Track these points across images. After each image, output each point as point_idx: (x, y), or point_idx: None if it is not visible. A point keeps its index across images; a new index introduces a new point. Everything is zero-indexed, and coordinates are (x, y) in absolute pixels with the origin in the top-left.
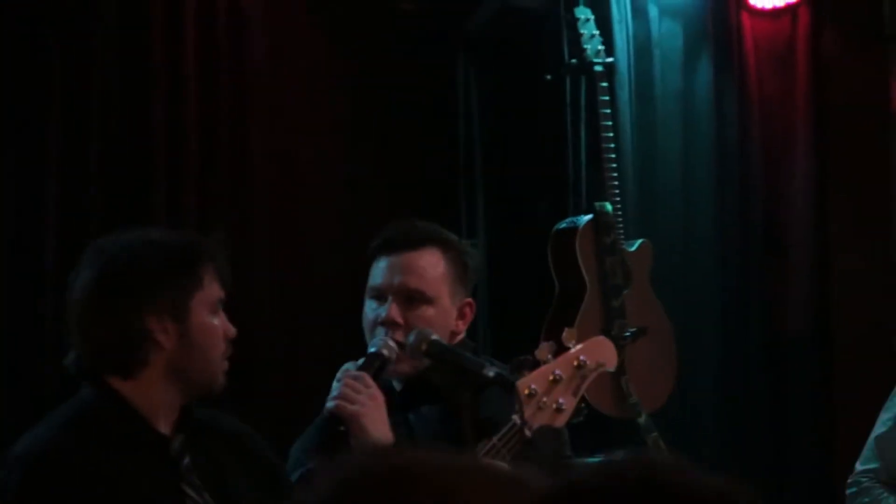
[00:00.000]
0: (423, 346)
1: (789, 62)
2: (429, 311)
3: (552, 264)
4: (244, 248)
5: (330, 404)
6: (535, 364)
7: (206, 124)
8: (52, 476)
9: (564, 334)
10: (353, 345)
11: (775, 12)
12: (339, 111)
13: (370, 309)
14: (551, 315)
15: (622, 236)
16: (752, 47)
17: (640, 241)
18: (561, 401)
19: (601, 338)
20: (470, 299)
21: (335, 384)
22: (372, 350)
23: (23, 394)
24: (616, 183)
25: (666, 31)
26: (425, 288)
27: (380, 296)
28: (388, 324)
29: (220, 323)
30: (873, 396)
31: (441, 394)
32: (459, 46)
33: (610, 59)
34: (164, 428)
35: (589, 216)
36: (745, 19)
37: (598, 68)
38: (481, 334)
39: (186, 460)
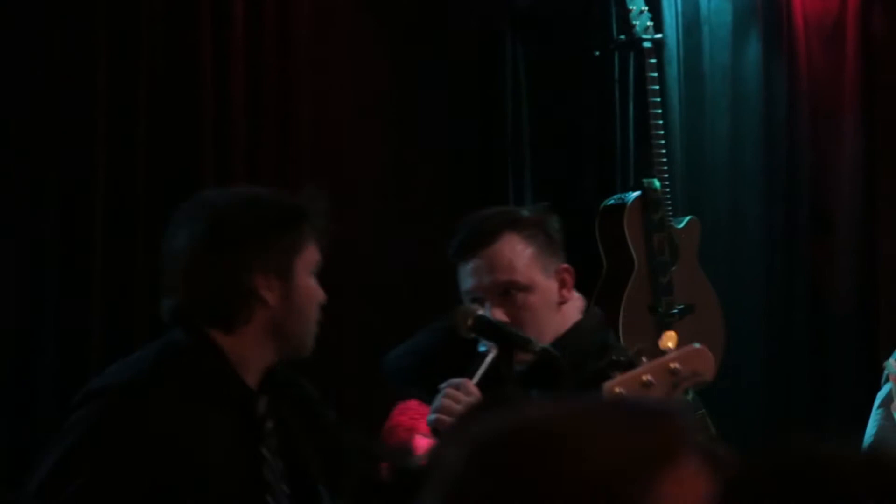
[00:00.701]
0: (469, 322)
1: (838, 40)
2: (529, 298)
3: (600, 241)
4: None
5: (430, 417)
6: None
7: (252, 97)
8: (137, 411)
9: (662, 338)
10: (394, 323)
11: None
12: (384, 87)
13: None
14: (598, 291)
15: (670, 213)
16: (801, 24)
17: (688, 217)
18: None
19: (701, 347)
20: (565, 265)
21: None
22: (481, 349)
23: (70, 357)
24: (664, 159)
25: (715, 7)
26: (517, 277)
27: (476, 300)
28: None
29: (316, 286)
30: None
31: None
32: (507, 21)
33: (659, 36)
34: (251, 385)
35: (637, 193)
36: None
37: (647, 44)
38: None
39: (269, 423)
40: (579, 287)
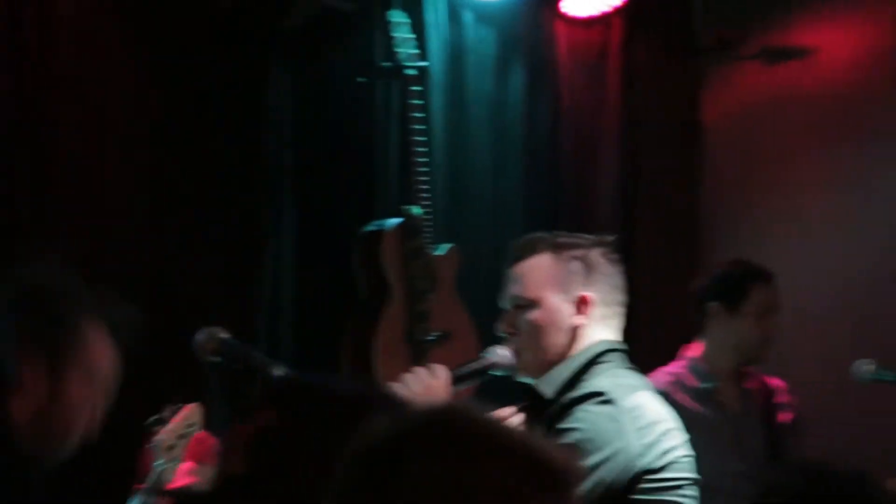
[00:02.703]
0: (211, 345)
1: (601, 71)
2: (534, 314)
3: (358, 266)
4: (47, 245)
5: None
6: None
7: (10, 120)
8: None
9: None
10: (157, 343)
11: (588, 21)
12: (149, 108)
13: None
14: (356, 317)
15: (430, 240)
16: (564, 55)
17: (447, 245)
18: None
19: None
20: (585, 293)
21: None
22: (487, 355)
23: None
24: (426, 187)
25: (480, 36)
26: (524, 292)
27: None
28: (503, 334)
29: None
30: None
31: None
32: (273, 45)
33: (423, 63)
34: None
35: (397, 219)
36: (559, 27)
37: (412, 72)
38: (283, 333)
39: None
40: (338, 311)
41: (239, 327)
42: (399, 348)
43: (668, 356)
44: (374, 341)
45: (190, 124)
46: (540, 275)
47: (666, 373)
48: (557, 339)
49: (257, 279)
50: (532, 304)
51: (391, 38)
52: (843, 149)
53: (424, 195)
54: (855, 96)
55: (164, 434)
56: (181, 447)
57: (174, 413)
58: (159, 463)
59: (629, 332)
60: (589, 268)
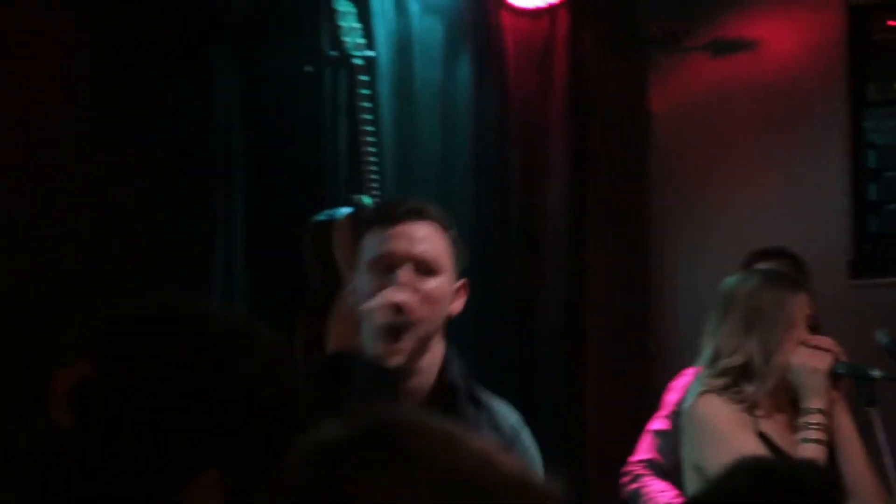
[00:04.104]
0: None
1: (547, 62)
2: (438, 283)
3: (309, 257)
4: None
5: None
6: None
7: None
8: None
9: None
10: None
11: (535, 12)
12: (92, 99)
13: (367, 282)
14: (307, 308)
15: None
16: (511, 46)
17: None
18: None
19: None
20: (464, 280)
21: None
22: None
23: None
24: (375, 176)
25: (426, 26)
26: (434, 257)
27: (388, 267)
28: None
29: None
30: (625, 393)
31: None
32: (219, 33)
33: (370, 53)
34: None
35: (347, 209)
36: (505, 18)
37: (358, 61)
38: None
39: None
40: (289, 301)
41: None
42: (352, 339)
43: (612, 343)
44: (327, 331)
45: (139, 113)
46: (440, 244)
47: None
48: (440, 321)
49: (209, 270)
50: (437, 271)
51: (337, 27)
52: (783, 140)
53: (374, 185)
54: (799, 88)
55: None
56: None
57: None
58: None
59: (575, 316)
60: (461, 255)
